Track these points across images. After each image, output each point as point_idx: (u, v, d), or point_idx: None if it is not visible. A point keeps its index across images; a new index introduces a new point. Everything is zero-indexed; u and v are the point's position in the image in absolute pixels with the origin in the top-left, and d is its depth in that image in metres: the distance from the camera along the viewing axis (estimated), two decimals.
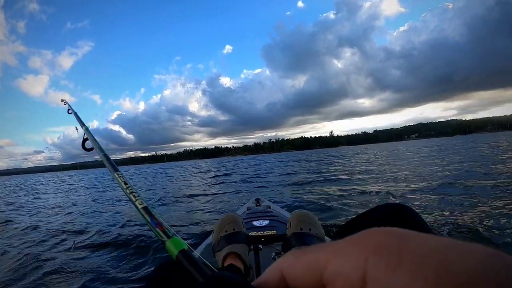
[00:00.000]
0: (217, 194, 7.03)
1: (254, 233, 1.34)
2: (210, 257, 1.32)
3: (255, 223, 1.70)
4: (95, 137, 0.77)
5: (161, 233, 0.29)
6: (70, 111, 1.12)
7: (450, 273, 0.10)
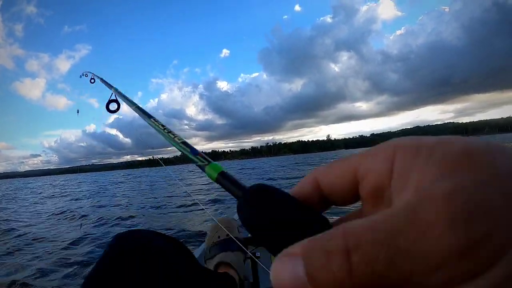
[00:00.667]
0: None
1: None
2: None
3: None
4: (125, 95, 0.80)
5: (201, 159, 0.32)
6: (93, 80, 1.14)
7: (452, 150, 0.13)
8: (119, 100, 0.83)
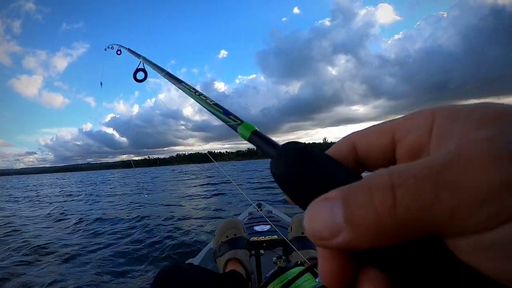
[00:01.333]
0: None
1: (255, 238, 1.35)
2: (211, 263, 1.44)
3: (257, 228, 1.71)
4: (154, 62, 0.78)
5: (234, 119, 0.32)
6: (119, 52, 1.14)
7: (490, 110, 0.14)
8: (146, 69, 0.83)
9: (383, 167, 0.17)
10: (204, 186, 12.95)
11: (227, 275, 0.87)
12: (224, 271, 0.94)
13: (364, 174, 0.17)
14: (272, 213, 2.38)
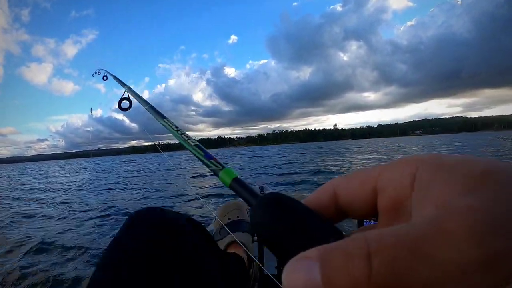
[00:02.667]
0: None
1: None
2: None
3: None
4: (138, 94, 0.79)
5: (215, 163, 0.31)
6: (105, 77, 1.13)
7: (475, 169, 0.14)
8: (131, 98, 0.82)
9: (364, 216, 0.18)
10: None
11: (228, 257, 0.78)
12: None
13: (346, 223, 0.18)
14: None
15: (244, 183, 0.27)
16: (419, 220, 0.13)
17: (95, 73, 1.24)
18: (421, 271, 0.11)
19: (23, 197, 7.64)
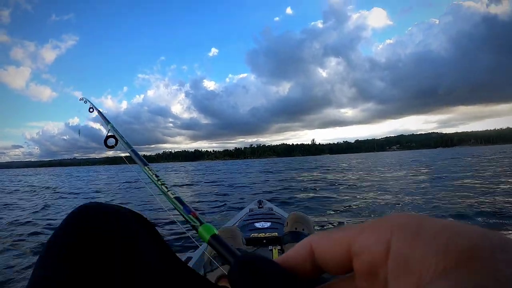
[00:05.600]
0: None
1: (255, 235, 1.40)
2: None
3: (257, 224, 1.76)
4: (121, 135, 0.77)
5: (194, 219, 0.31)
6: (91, 109, 1.09)
7: (455, 244, 0.13)
8: (117, 136, 0.80)
9: (340, 273, 0.19)
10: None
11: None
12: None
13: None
14: (272, 210, 2.39)
15: (222, 241, 0.27)
16: None
17: (82, 99, 1.22)
18: None
19: None
